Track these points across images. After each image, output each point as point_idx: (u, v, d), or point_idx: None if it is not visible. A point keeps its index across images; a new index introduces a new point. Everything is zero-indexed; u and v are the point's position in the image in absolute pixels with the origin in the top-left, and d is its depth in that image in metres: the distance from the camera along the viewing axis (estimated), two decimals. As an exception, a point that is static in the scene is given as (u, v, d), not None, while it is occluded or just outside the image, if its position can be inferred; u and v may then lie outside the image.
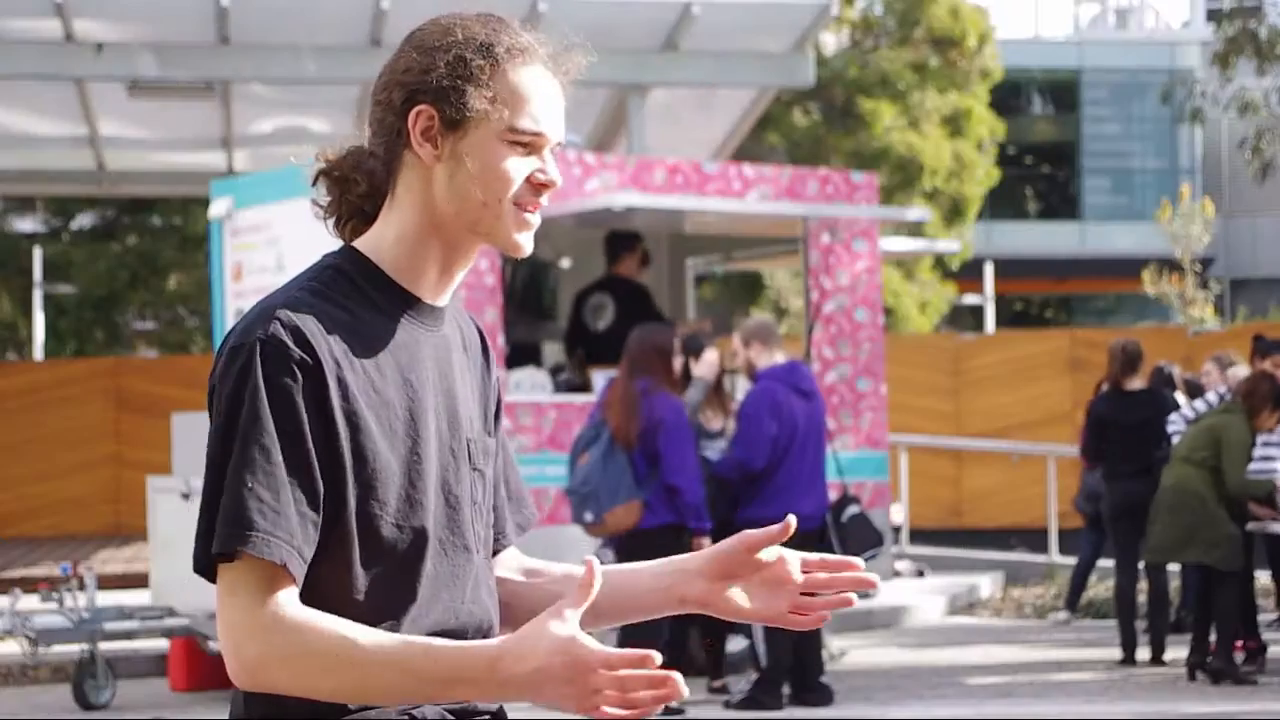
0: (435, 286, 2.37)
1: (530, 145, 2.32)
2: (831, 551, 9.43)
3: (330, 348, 2.24)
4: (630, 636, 9.10)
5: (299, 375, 2.21)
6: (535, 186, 2.33)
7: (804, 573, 2.42)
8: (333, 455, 2.23)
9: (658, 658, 2.09)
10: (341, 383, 2.24)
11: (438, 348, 2.38)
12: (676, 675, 2.08)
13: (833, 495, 9.64)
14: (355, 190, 2.39)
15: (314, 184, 2.42)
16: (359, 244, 2.37)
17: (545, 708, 2.15)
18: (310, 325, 2.24)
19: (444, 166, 2.32)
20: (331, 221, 2.42)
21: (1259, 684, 9.96)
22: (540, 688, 2.09)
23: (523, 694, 2.11)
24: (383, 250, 2.35)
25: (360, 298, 2.32)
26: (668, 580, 2.44)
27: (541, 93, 2.33)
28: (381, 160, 2.36)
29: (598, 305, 11.34)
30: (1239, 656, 10.58)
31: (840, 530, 9.49)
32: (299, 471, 2.20)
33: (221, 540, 2.16)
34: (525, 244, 2.35)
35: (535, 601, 2.47)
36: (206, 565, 2.21)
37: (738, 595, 2.41)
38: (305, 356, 2.22)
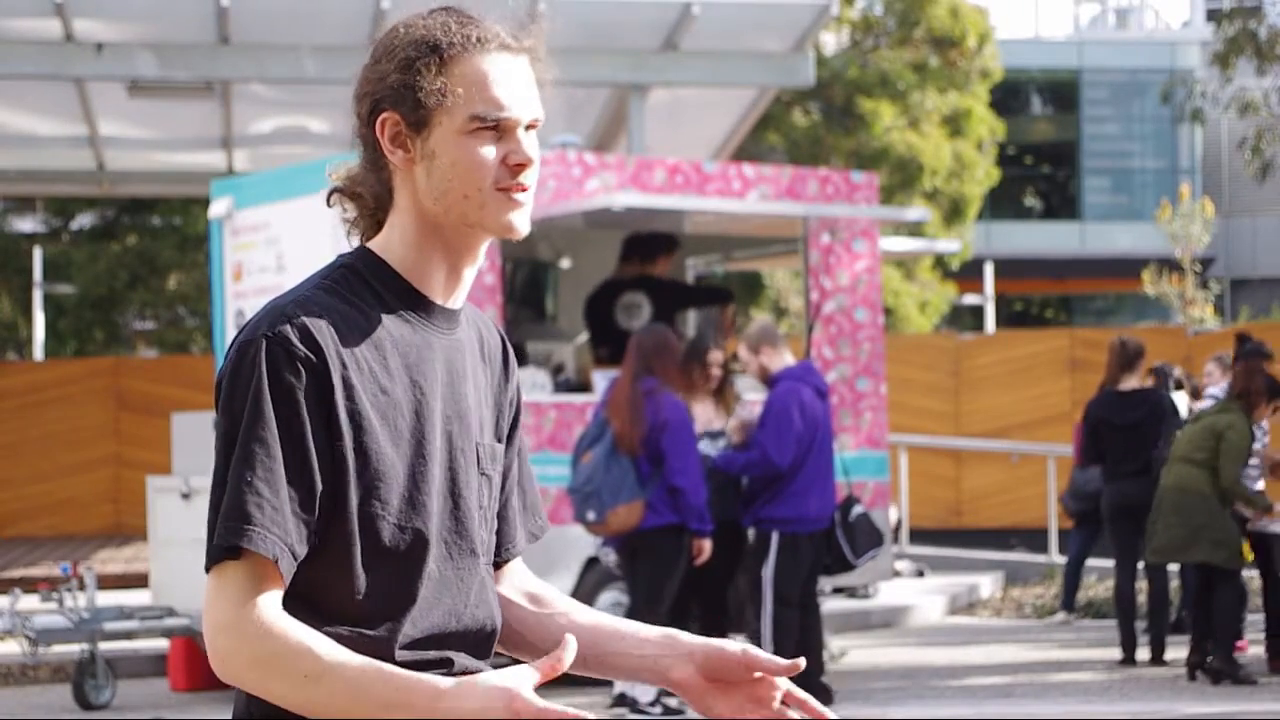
0: (445, 287, 2.38)
1: (498, 128, 2.32)
2: (839, 550, 9.47)
3: (337, 347, 2.25)
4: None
5: (303, 373, 2.22)
6: (513, 168, 2.33)
7: (783, 703, 2.45)
8: (334, 455, 2.23)
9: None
10: (346, 382, 2.25)
11: (449, 350, 2.38)
12: None
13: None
14: (367, 205, 2.41)
15: (329, 204, 2.44)
16: (372, 244, 2.39)
17: None
18: (318, 324, 2.25)
19: (420, 167, 2.33)
20: (356, 236, 2.44)
21: (1259, 684, 9.95)
22: None
23: None
24: (392, 251, 2.37)
25: (372, 297, 2.33)
26: (657, 651, 2.44)
27: (500, 76, 2.33)
28: (373, 173, 2.39)
29: (631, 304, 11.33)
30: (1243, 656, 10.58)
31: (848, 530, 9.50)
32: (297, 471, 2.20)
33: (221, 535, 2.17)
34: (518, 224, 2.34)
35: (544, 633, 2.50)
36: (213, 565, 2.21)
37: (714, 695, 2.43)
38: (310, 355, 2.23)
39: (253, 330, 2.25)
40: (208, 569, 2.21)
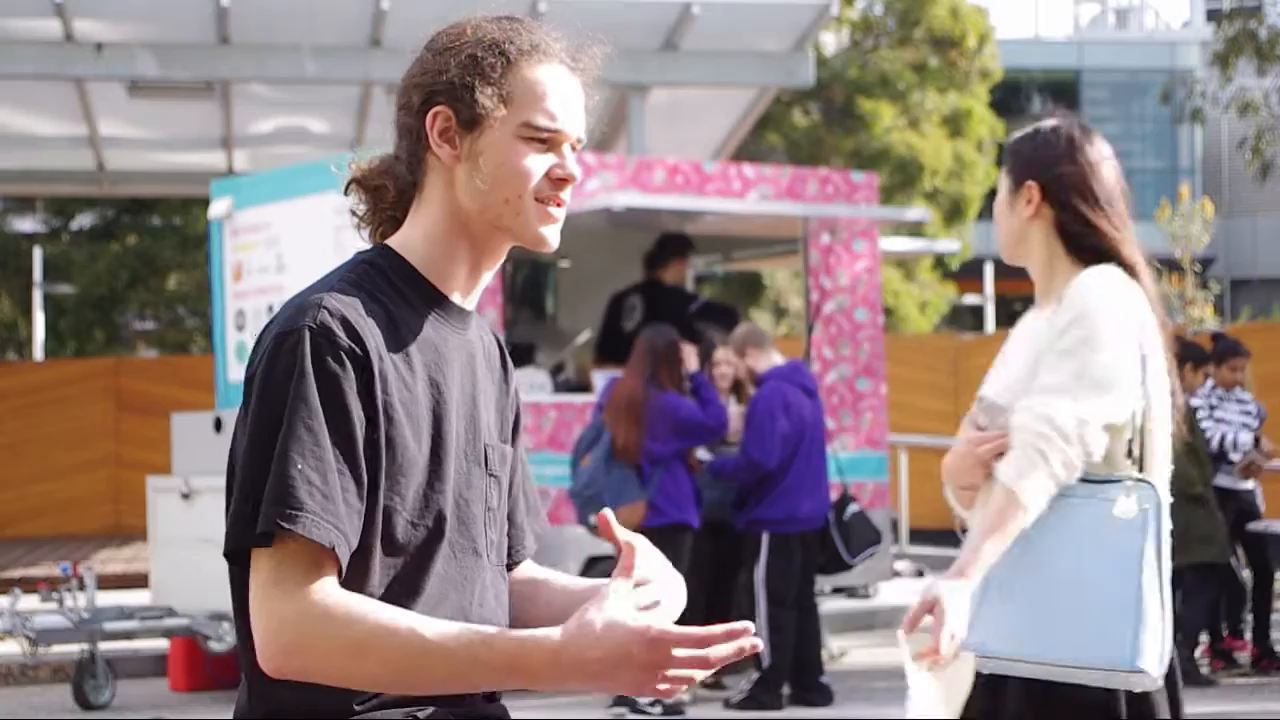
0: (464, 286, 2.41)
1: (549, 141, 2.35)
2: (834, 550, 9.45)
3: (374, 339, 2.26)
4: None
5: (347, 364, 2.22)
6: (555, 181, 2.36)
7: None
8: (373, 446, 2.24)
9: (752, 627, 2.14)
10: (383, 375, 2.25)
11: (463, 350, 2.40)
12: (760, 641, 2.13)
13: (832, 495, 9.64)
14: (386, 198, 2.42)
15: (346, 193, 2.44)
16: (391, 242, 2.40)
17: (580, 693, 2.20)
18: (356, 316, 2.25)
19: (464, 166, 2.35)
20: (367, 231, 2.45)
21: (1219, 685, 9.91)
22: (612, 675, 2.11)
23: (587, 681, 2.12)
24: (413, 249, 2.38)
25: (394, 293, 2.34)
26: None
27: (558, 89, 2.37)
28: (406, 164, 2.39)
29: (631, 307, 11.37)
30: (1244, 657, 10.58)
31: (842, 529, 9.49)
32: (346, 460, 2.20)
33: (266, 519, 2.15)
34: (550, 238, 2.38)
35: (545, 602, 2.50)
36: (243, 549, 2.20)
37: None
38: (354, 346, 2.23)
39: (291, 321, 2.24)
40: (231, 552, 2.19)
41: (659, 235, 11.52)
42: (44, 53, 14.09)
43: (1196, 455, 9.90)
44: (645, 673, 2.09)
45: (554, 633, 2.13)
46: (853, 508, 9.62)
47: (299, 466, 2.16)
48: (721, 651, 2.10)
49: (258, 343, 2.27)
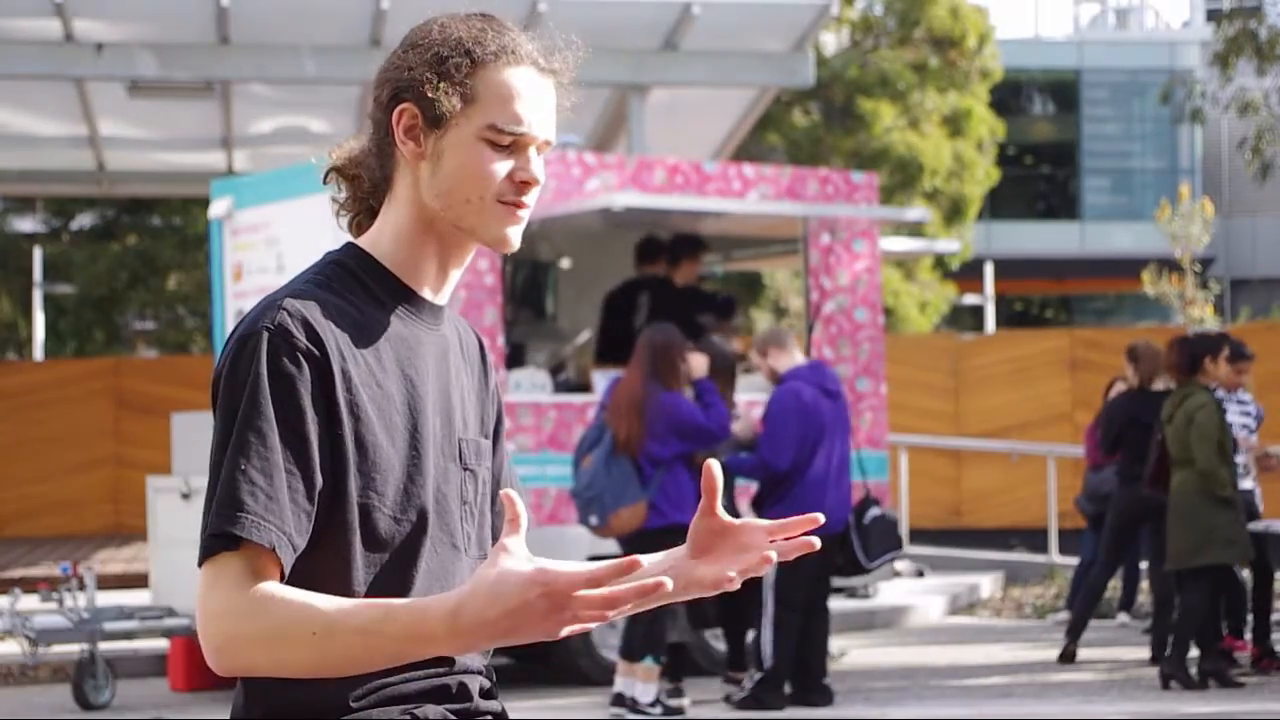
0: (434, 283, 2.40)
1: (513, 144, 2.34)
2: (854, 555, 9.41)
3: (336, 339, 2.26)
4: (632, 641, 9.10)
5: (304, 365, 2.22)
6: (518, 185, 2.34)
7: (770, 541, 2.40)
8: (335, 446, 2.24)
9: (644, 560, 2.13)
10: (345, 374, 2.25)
11: (436, 346, 2.40)
12: (666, 579, 2.05)
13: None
14: (363, 187, 2.43)
15: (325, 181, 2.44)
16: (360, 240, 2.40)
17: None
18: (317, 316, 2.25)
19: (427, 164, 2.35)
20: (346, 219, 2.45)
21: (1244, 685, 9.91)
22: (516, 629, 2.06)
23: (492, 640, 2.08)
24: (382, 246, 2.38)
25: (363, 292, 2.34)
26: (666, 569, 2.40)
27: (525, 92, 2.34)
28: (377, 157, 2.40)
29: (641, 304, 11.37)
30: (1245, 657, 10.57)
31: (862, 532, 9.43)
32: (297, 461, 2.20)
33: (213, 524, 2.16)
34: (512, 238, 2.36)
35: None
36: (202, 557, 2.20)
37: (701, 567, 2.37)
38: (311, 347, 2.23)
39: (252, 324, 2.25)
40: (201, 561, 2.19)
41: (673, 235, 11.50)
42: (44, 53, 14.09)
43: (1225, 456, 9.82)
44: (548, 619, 2.04)
45: (450, 595, 2.10)
46: (874, 511, 9.52)
47: (243, 468, 2.17)
48: (621, 589, 2.03)
49: (225, 345, 2.28)
